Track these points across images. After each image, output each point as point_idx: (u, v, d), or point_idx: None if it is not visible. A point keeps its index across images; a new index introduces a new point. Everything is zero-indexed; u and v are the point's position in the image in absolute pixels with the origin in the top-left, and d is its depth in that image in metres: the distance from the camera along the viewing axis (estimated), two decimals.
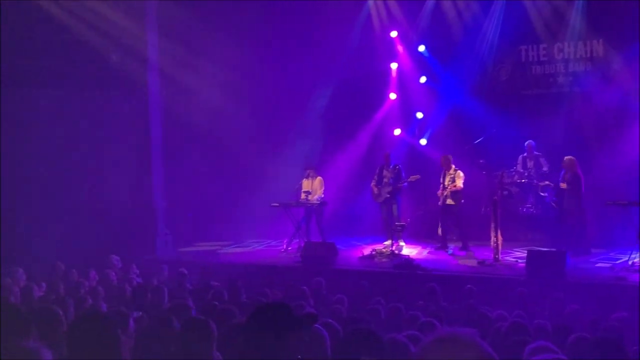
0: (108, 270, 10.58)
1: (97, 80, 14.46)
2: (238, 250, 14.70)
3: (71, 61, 14.10)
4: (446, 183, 12.93)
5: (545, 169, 13.84)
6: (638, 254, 10.91)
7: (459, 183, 12.80)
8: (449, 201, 12.92)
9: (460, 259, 12.53)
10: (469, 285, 9.65)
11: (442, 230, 13.24)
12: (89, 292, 8.63)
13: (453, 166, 13.00)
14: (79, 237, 13.14)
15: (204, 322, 4.39)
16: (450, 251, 13.07)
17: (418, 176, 13.32)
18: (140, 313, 6.69)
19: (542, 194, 13.59)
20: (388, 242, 13.16)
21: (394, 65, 16.18)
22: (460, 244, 13.27)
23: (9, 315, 4.01)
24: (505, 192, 13.17)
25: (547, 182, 13.48)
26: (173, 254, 14.21)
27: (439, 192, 13.07)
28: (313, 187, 13.85)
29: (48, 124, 13.90)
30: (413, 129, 16.10)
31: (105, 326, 3.49)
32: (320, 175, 14.08)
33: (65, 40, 13.91)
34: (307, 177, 13.96)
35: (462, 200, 13.03)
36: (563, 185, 12.56)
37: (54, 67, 13.97)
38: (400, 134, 16.11)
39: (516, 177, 13.98)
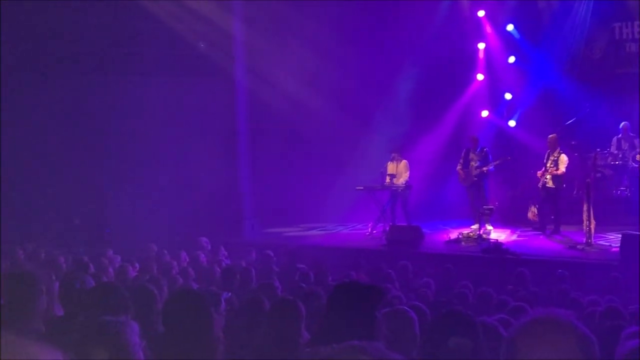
0: (198, 252, 10.83)
1: (186, 68, 14.89)
2: (323, 233, 14.79)
3: (162, 50, 14.61)
4: (548, 165, 12.51)
5: None
6: None
7: (562, 168, 12.34)
8: (550, 184, 12.49)
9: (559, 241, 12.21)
10: (560, 270, 9.42)
11: (539, 213, 12.88)
12: (179, 273, 8.86)
13: (558, 148, 12.54)
14: (170, 220, 13.57)
15: (293, 303, 4.46)
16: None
17: (508, 157, 13.03)
18: (230, 294, 6.84)
19: None
20: (475, 226, 12.92)
21: (481, 46, 15.84)
22: (551, 227, 12.91)
23: (108, 293, 4.16)
24: (599, 175, 12.74)
25: None
26: (260, 237, 14.40)
27: (539, 173, 12.69)
28: (398, 171, 13.73)
29: (138, 110, 14.36)
30: (501, 110, 15.75)
31: (199, 304, 3.60)
32: (405, 159, 13.93)
33: (157, 31, 14.36)
34: (392, 161, 13.85)
35: (564, 185, 12.59)
36: None
37: (147, 56, 14.49)
38: (488, 115, 15.78)
39: (610, 158, 13.53)
